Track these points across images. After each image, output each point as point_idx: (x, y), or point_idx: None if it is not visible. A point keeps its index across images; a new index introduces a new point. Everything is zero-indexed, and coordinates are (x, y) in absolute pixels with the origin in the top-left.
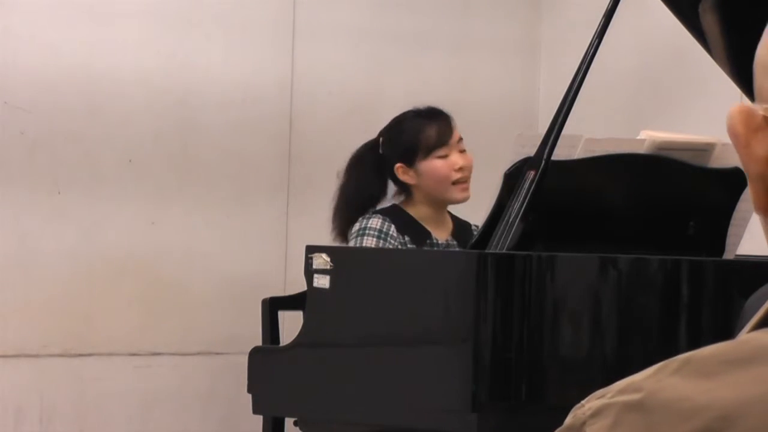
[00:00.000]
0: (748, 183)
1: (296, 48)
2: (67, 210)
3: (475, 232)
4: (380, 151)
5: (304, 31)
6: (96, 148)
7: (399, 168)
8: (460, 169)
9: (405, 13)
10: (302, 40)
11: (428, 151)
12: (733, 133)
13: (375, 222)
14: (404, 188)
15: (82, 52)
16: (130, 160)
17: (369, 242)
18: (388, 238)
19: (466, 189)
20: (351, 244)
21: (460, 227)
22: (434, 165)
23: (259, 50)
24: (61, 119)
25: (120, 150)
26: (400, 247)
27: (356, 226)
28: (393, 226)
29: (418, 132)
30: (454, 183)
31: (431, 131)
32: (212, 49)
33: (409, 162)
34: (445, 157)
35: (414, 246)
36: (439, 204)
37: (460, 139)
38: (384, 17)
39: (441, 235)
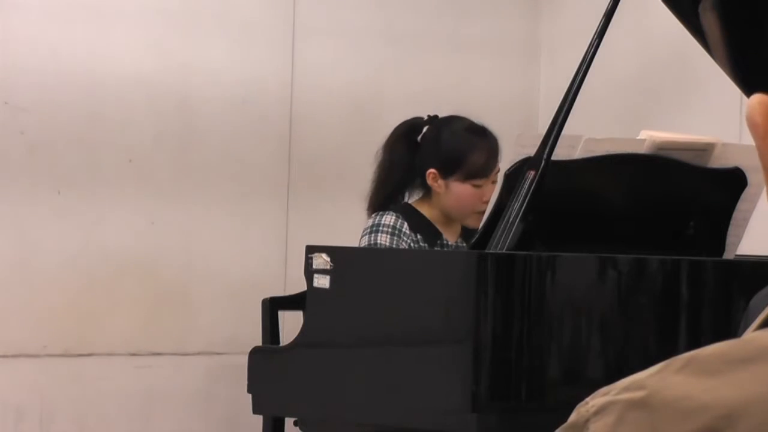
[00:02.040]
0: (764, 175)
1: (296, 48)
2: (67, 210)
3: None
4: (418, 139)
5: (304, 31)
6: (96, 148)
7: (431, 173)
8: (486, 201)
9: (405, 13)
10: (302, 40)
11: (467, 175)
12: (752, 123)
13: (388, 219)
14: (426, 189)
15: (82, 53)
16: (130, 160)
17: (383, 239)
18: (402, 235)
19: (482, 217)
20: (364, 239)
21: (467, 231)
22: (466, 191)
23: (259, 50)
24: (61, 119)
25: (120, 150)
26: (412, 244)
27: (369, 222)
28: (406, 223)
29: (467, 152)
30: (475, 212)
31: (480, 158)
32: (212, 49)
33: (444, 174)
34: (479, 186)
35: (425, 244)
36: (453, 219)
37: (498, 170)
38: (384, 17)
39: (451, 236)
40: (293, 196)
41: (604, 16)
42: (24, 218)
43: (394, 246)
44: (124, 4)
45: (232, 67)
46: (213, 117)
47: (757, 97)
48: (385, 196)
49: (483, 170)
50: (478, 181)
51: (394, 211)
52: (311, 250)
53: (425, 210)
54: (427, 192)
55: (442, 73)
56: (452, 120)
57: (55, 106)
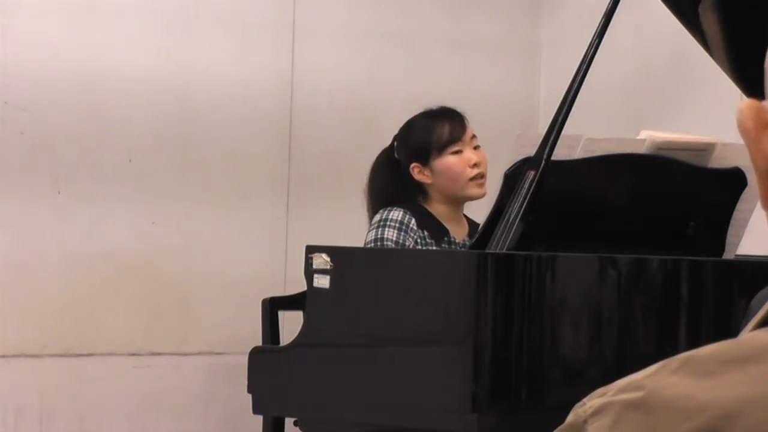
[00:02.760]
0: (757, 179)
1: (296, 48)
2: (67, 210)
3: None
4: (395, 156)
5: (304, 31)
6: (96, 148)
7: (414, 168)
8: (476, 165)
9: (405, 13)
10: (302, 39)
11: (441, 148)
12: (742, 128)
13: (396, 214)
14: (421, 189)
15: (82, 52)
16: (130, 160)
17: (390, 234)
18: (409, 231)
19: (483, 185)
20: (372, 234)
21: (475, 229)
22: (449, 162)
23: (259, 50)
24: (61, 119)
25: (120, 150)
26: (419, 240)
27: (377, 217)
28: (414, 219)
29: (430, 130)
30: (471, 179)
31: (443, 128)
32: (212, 49)
33: (424, 161)
34: (458, 152)
35: (432, 241)
36: (456, 202)
37: (474, 136)
38: (384, 17)
39: (458, 234)
40: (293, 196)
41: (604, 16)
42: (24, 218)
43: (400, 241)
44: (124, 4)
45: (232, 66)
46: (213, 117)
47: (746, 102)
48: (384, 204)
49: (452, 136)
50: (453, 147)
51: (403, 207)
52: (311, 250)
53: (430, 209)
54: (424, 191)
55: (442, 73)
56: (410, 119)
57: (55, 105)
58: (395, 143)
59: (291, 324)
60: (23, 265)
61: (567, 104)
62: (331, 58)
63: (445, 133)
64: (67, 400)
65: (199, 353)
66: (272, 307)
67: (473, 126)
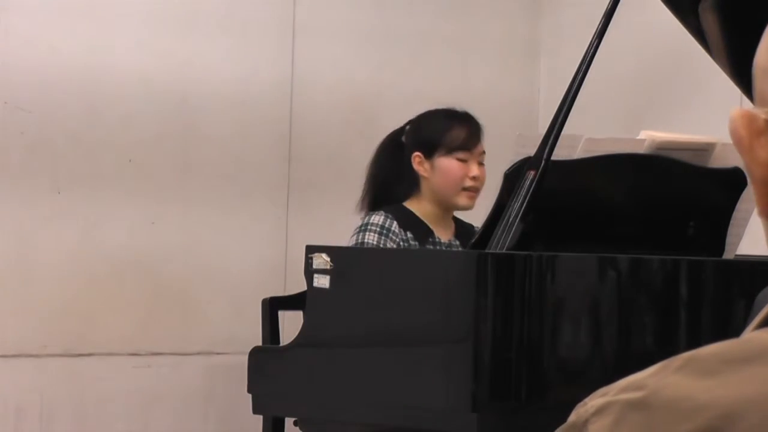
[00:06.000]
0: (752, 186)
1: (296, 48)
2: (67, 210)
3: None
4: (402, 139)
5: (304, 31)
6: (96, 148)
7: (416, 157)
8: (474, 178)
9: (405, 12)
10: (302, 39)
11: (450, 149)
12: (736, 137)
13: (377, 218)
14: (416, 180)
15: (82, 52)
16: (130, 160)
17: (370, 238)
18: (390, 234)
19: (473, 197)
20: (353, 239)
21: (463, 229)
22: (452, 164)
23: (259, 50)
24: (61, 119)
25: (120, 150)
26: (401, 243)
27: (359, 222)
28: (395, 222)
29: (447, 129)
30: (464, 188)
31: (460, 132)
32: (212, 49)
33: (428, 154)
34: (464, 161)
35: (416, 243)
36: (444, 206)
37: (483, 152)
38: (384, 17)
39: (444, 235)
40: (293, 196)
41: (604, 16)
42: (24, 218)
43: (381, 245)
44: (124, 4)
45: (232, 66)
46: (213, 117)
47: (738, 111)
48: (375, 196)
49: (465, 143)
50: (461, 155)
51: (385, 211)
52: (311, 250)
53: (417, 208)
54: (418, 189)
55: (442, 73)
56: (432, 110)
57: (55, 105)
58: (407, 127)
59: (291, 324)
60: (23, 265)
61: (567, 104)
62: (331, 58)
63: (460, 137)
64: (67, 400)
65: (199, 353)
66: (272, 307)
67: None
